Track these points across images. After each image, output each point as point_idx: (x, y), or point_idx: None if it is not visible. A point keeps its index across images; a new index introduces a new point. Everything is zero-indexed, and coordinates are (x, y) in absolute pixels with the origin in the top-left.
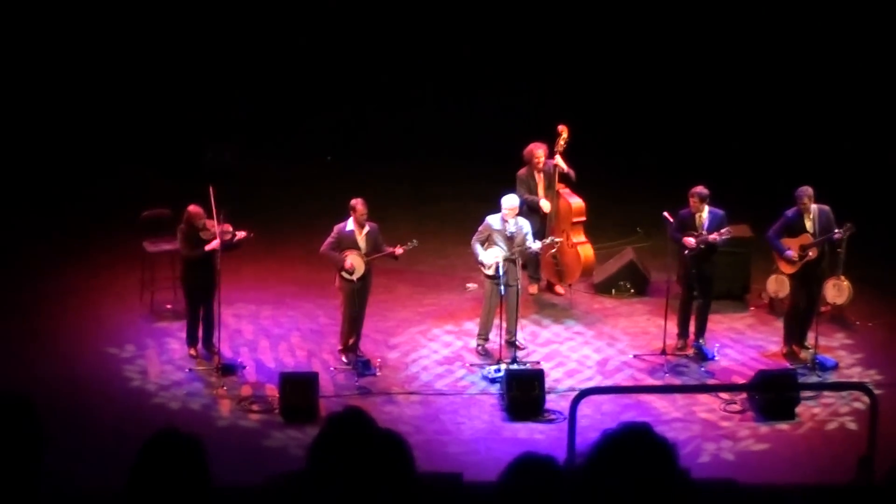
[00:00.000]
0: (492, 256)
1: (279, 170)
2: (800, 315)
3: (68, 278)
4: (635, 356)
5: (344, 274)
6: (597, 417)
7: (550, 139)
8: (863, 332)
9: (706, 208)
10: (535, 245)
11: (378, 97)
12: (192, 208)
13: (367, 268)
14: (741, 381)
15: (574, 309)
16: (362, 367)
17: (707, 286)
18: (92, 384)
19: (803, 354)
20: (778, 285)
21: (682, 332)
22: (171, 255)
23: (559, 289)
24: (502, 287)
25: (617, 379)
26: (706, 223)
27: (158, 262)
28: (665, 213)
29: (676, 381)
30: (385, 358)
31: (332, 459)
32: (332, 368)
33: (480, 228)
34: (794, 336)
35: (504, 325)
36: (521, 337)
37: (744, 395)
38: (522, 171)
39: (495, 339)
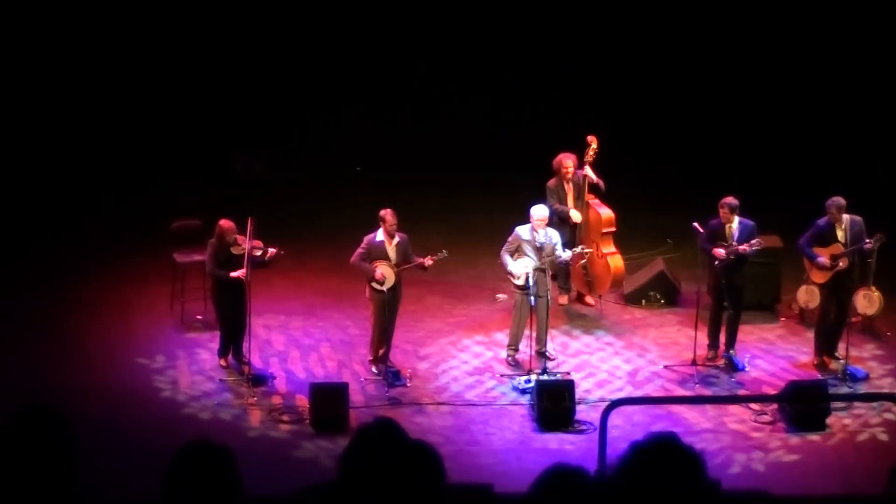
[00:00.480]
0: (521, 267)
1: (309, 180)
2: (830, 326)
3: (99, 289)
4: (666, 367)
5: (374, 284)
6: (627, 428)
7: (580, 150)
8: (893, 343)
9: (736, 219)
10: (566, 255)
11: (408, 108)
12: (224, 223)
13: (398, 278)
14: (772, 391)
15: (604, 319)
16: (392, 377)
17: (737, 297)
18: (123, 395)
19: (834, 365)
20: (808, 296)
21: (713, 343)
22: (201, 265)
23: (589, 299)
24: (532, 298)
25: (647, 390)
26: (736, 234)
27: (189, 272)
28: (695, 224)
29: (707, 391)
30: (415, 368)
31: (363, 470)
32: (362, 379)
33: (510, 239)
34: (825, 347)
35: (534, 335)
36: (551, 348)
37: (774, 406)
38: (552, 182)
39: (525, 350)
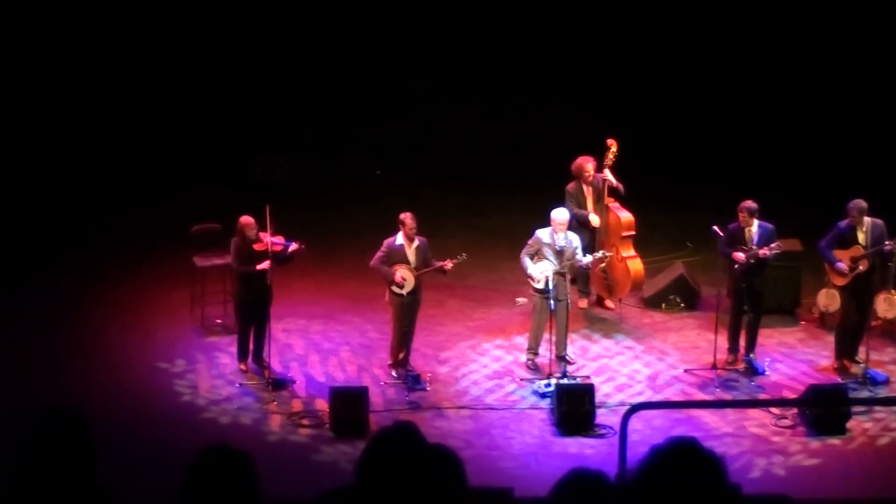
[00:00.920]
0: (541, 271)
1: (329, 184)
2: (851, 329)
3: (119, 293)
4: (686, 371)
5: (394, 288)
6: (647, 432)
7: (600, 153)
8: None
9: (755, 222)
10: (586, 259)
11: (427, 111)
12: (244, 219)
13: (417, 282)
14: (792, 395)
15: (624, 323)
16: (412, 381)
17: (757, 300)
18: (143, 399)
19: (854, 369)
20: (829, 299)
21: (733, 347)
22: (221, 269)
23: (609, 303)
24: (552, 301)
25: (667, 394)
26: (756, 237)
27: (208, 276)
28: (715, 228)
29: (727, 395)
30: (435, 372)
31: (380, 474)
32: (382, 383)
33: (530, 242)
34: (846, 350)
35: (554, 339)
36: (570, 351)
37: (795, 410)
38: (571, 186)
39: (545, 354)
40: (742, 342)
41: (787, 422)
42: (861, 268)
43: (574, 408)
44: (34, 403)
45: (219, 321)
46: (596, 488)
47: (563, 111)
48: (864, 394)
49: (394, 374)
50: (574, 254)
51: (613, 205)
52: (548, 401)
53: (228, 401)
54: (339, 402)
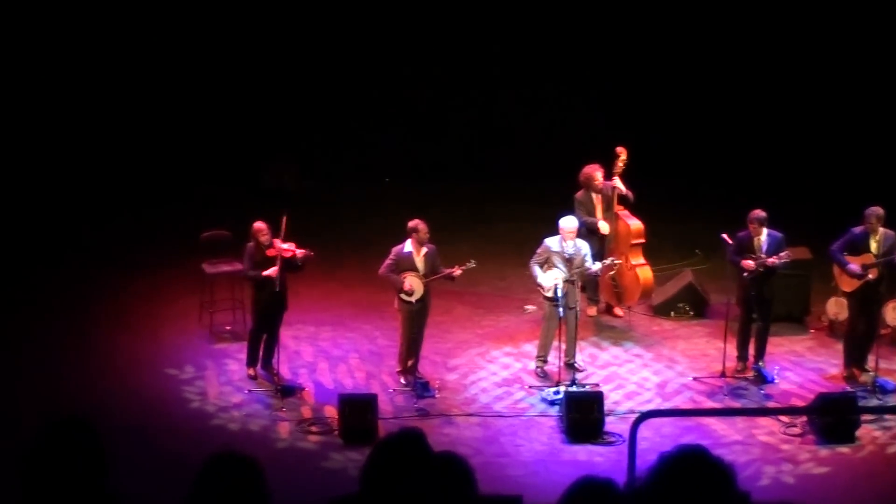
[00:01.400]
0: (550, 278)
1: (337, 192)
2: (860, 337)
3: (128, 300)
4: (695, 379)
5: (403, 296)
6: (656, 440)
7: (609, 161)
8: None
9: (765, 231)
10: (595, 266)
11: (436, 119)
12: (257, 224)
13: (426, 289)
14: (801, 403)
15: (633, 331)
16: (421, 388)
17: (766, 309)
18: (151, 405)
19: (863, 377)
20: (838, 308)
21: (742, 355)
22: (230, 276)
23: (618, 311)
24: (561, 309)
25: (676, 401)
26: (765, 246)
27: (217, 283)
28: (724, 236)
29: (736, 403)
30: (444, 380)
31: (385, 482)
32: (391, 390)
33: (539, 250)
34: (854, 359)
35: (563, 347)
36: (579, 359)
37: (804, 418)
38: (580, 194)
39: (554, 362)
40: (751, 350)
41: (796, 430)
42: (870, 276)
43: (583, 415)
44: (43, 411)
45: (227, 328)
46: (605, 496)
47: (573, 119)
48: (874, 402)
49: (403, 381)
50: (583, 261)
51: (623, 213)
52: (557, 408)
53: (237, 407)
54: (348, 409)
